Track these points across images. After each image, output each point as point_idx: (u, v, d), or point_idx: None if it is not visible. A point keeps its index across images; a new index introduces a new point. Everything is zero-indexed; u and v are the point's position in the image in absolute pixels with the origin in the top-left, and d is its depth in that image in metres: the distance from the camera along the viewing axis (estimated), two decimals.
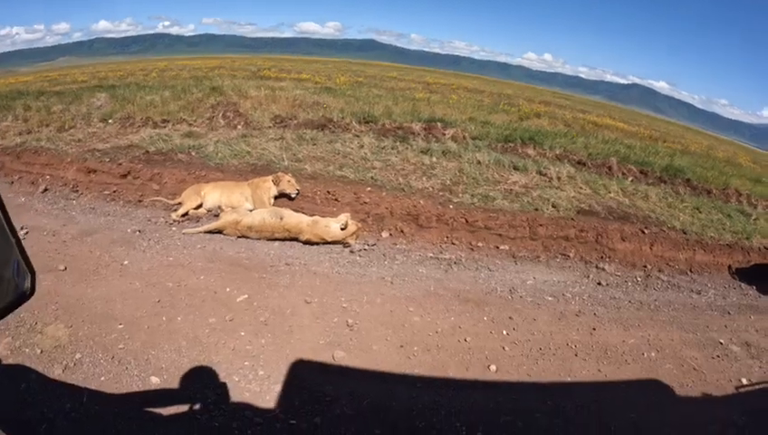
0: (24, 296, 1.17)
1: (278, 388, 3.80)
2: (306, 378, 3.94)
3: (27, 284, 1.18)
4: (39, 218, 6.90)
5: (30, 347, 4.15)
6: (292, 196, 7.15)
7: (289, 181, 7.11)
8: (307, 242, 6.19)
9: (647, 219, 7.53)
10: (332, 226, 6.13)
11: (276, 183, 7.07)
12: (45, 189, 8.01)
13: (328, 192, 7.34)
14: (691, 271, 6.77)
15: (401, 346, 4.41)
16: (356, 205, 7.08)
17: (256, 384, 3.84)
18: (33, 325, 4.41)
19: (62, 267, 5.47)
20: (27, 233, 6.31)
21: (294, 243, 6.26)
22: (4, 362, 3.98)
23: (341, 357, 4.20)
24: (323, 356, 4.20)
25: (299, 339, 4.39)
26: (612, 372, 4.41)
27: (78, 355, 4.08)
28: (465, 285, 5.65)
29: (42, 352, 4.11)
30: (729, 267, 6.92)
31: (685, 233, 7.28)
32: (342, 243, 6.21)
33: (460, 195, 7.41)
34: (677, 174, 9.79)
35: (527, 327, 4.92)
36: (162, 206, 7.28)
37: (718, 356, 4.82)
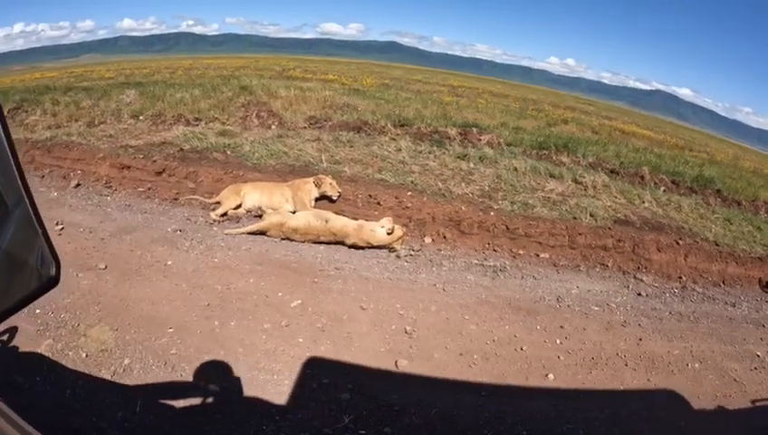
0: (47, 285, 1.15)
1: (344, 397, 3.77)
2: (371, 387, 3.92)
3: (52, 272, 1.16)
4: (74, 214, 6.86)
5: (74, 350, 4.05)
6: (334, 198, 7.12)
7: (331, 184, 7.07)
8: (353, 246, 6.17)
9: (680, 230, 7.49)
10: (378, 230, 6.11)
11: (318, 185, 7.03)
12: (78, 184, 8.00)
13: (369, 195, 7.31)
14: (724, 283, 6.76)
15: (461, 354, 4.41)
16: (398, 209, 7.05)
17: (321, 393, 3.80)
18: (76, 327, 4.32)
19: (102, 266, 5.40)
20: (63, 229, 6.25)
21: (340, 247, 6.23)
22: (48, 366, 3.85)
23: (405, 365, 4.18)
24: (386, 364, 4.19)
25: (359, 347, 4.37)
26: (660, 381, 4.47)
27: (127, 360, 3.98)
28: (514, 293, 5.65)
29: (87, 356, 4.00)
30: (760, 280, 6.88)
31: (717, 245, 7.25)
32: (387, 247, 6.19)
33: (500, 201, 7.38)
34: (708, 185, 9.73)
35: (578, 337, 4.95)
36: (199, 204, 7.24)
37: (756, 368, 4.87)
